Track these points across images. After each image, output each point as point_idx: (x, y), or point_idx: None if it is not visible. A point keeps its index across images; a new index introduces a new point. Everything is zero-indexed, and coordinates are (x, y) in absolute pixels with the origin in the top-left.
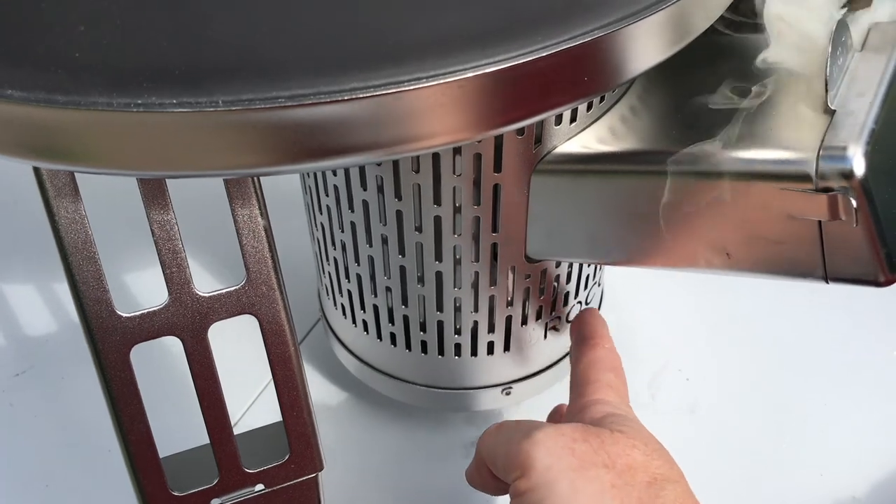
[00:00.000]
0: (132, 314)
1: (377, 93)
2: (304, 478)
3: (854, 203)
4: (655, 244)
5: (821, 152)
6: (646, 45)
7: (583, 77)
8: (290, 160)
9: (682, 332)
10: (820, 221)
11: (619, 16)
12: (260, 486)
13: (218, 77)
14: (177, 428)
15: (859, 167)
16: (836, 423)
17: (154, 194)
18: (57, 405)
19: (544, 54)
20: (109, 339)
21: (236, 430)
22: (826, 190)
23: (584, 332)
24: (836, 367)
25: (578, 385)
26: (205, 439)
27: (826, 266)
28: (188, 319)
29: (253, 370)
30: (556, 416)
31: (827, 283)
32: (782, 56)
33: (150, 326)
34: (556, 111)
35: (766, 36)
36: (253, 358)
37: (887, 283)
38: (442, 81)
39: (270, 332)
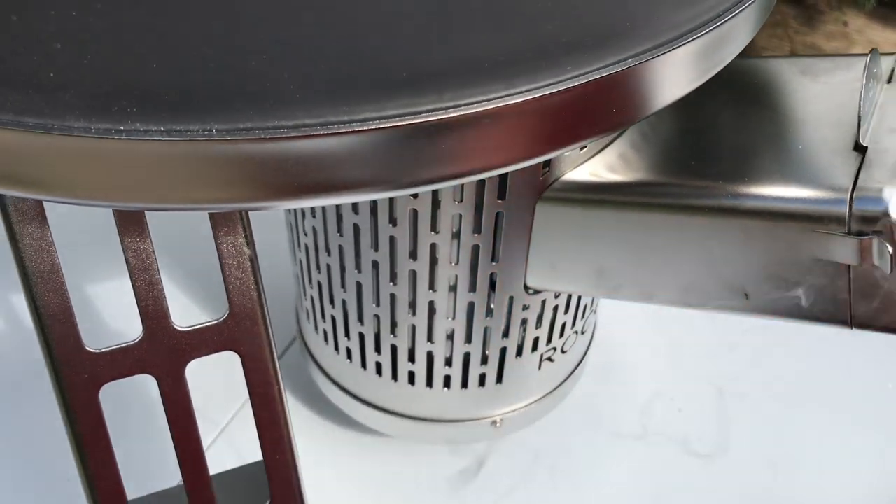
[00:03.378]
0: (102, 350)
1: (392, 123)
2: None
3: (889, 248)
4: (669, 281)
5: (854, 193)
6: (677, 76)
7: (611, 109)
8: (289, 196)
9: (675, 358)
10: (850, 266)
11: (650, 45)
12: None
13: (212, 102)
14: (148, 466)
15: None
16: (832, 457)
17: (130, 221)
18: (10, 427)
19: (574, 84)
20: (77, 378)
21: (208, 459)
22: (859, 233)
23: None
24: (833, 401)
25: None
26: (178, 478)
27: (853, 312)
28: (164, 356)
29: (225, 394)
30: None
31: (851, 329)
32: (810, 87)
33: (121, 364)
34: (581, 144)
35: (790, 66)
36: (224, 381)
37: None
38: (463, 112)
39: (254, 370)
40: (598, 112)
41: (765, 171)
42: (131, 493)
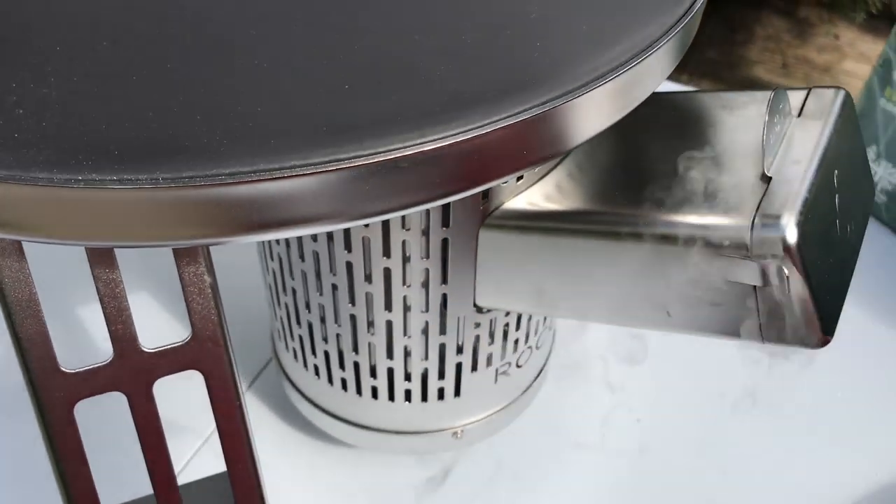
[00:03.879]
0: (77, 370)
1: (317, 170)
2: None
3: (786, 271)
4: (599, 301)
5: (755, 220)
6: (581, 121)
7: (521, 151)
8: (230, 233)
9: (635, 374)
10: (755, 286)
11: (551, 96)
12: None
13: (157, 156)
14: (121, 478)
15: (792, 236)
16: (780, 464)
17: (100, 255)
18: (5, 440)
19: (481, 132)
20: (53, 396)
21: (182, 478)
22: (760, 257)
23: None
24: (782, 410)
25: None
26: (149, 489)
27: (762, 328)
28: (133, 375)
29: (200, 416)
30: None
31: (763, 343)
32: (728, 120)
33: (94, 382)
34: (493, 184)
35: (713, 100)
36: (200, 404)
37: (821, 345)
38: (382, 158)
39: (216, 387)
40: (506, 154)
41: (680, 200)
42: (105, 501)
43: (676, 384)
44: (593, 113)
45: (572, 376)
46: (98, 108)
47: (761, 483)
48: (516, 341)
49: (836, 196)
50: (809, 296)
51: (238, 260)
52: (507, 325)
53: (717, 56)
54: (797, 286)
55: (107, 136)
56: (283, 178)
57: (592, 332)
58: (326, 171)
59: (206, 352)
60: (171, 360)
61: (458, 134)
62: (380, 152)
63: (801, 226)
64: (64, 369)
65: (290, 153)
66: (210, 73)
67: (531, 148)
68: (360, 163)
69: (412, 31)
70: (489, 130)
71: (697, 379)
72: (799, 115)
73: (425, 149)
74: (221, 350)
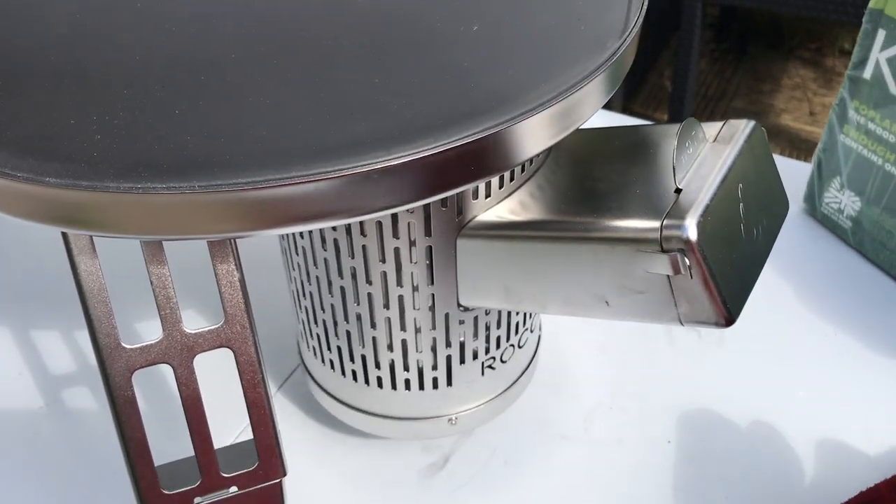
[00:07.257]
0: (134, 346)
1: (312, 179)
2: (271, 482)
3: (688, 261)
4: (554, 295)
5: (664, 222)
6: (514, 145)
7: (469, 167)
8: (248, 228)
9: (616, 375)
10: (668, 276)
11: (491, 123)
12: (234, 489)
13: (194, 169)
14: (168, 443)
15: (693, 234)
16: (743, 452)
17: (153, 253)
18: (74, 434)
19: (437, 151)
20: (116, 365)
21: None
22: (670, 251)
23: None
24: (742, 405)
25: None
26: (190, 452)
27: (678, 311)
28: (178, 351)
29: (231, 418)
30: None
31: (682, 325)
32: (662, 146)
33: (148, 355)
34: (450, 193)
35: (651, 131)
36: (232, 408)
37: (727, 325)
38: (354, 171)
39: (243, 362)
40: (457, 169)
41: (613, 209)
42: (157, 460)
43: (652, 387)
44: (526, 138)
45: (561, 379)
46: (152, 134)
47: (727, 468)
48: (498, 338)
49: (741, 204)
50: (711, 282)
51: (269, 284)
52: (488, 323)
53: (744, 105)
54: (699, 274)
55: (158, 155)
56: (287, 185)
57: (576, 336)
58: (318, 179)
59: (235, 333)
60: (208, 340)
61: (416, 152)
62: (357, 166)
63: (701, 226)
64: (124, 345)
65: (291, 167)
66: (231, 109)
67: (477, 165)
68: (343, 174)
69: (372, 76)
70: (441, 150)
71: (672, 384)
72: (714, 141)
73: (392, 163)
74: (248, 332)
